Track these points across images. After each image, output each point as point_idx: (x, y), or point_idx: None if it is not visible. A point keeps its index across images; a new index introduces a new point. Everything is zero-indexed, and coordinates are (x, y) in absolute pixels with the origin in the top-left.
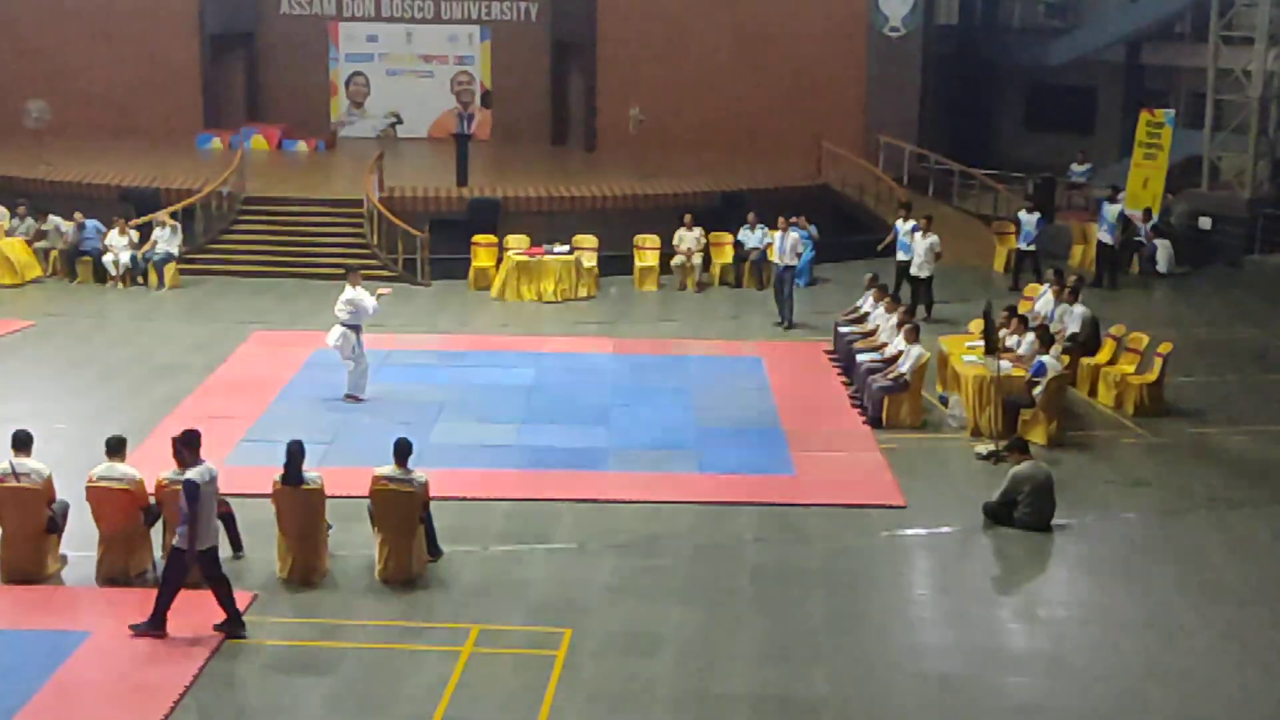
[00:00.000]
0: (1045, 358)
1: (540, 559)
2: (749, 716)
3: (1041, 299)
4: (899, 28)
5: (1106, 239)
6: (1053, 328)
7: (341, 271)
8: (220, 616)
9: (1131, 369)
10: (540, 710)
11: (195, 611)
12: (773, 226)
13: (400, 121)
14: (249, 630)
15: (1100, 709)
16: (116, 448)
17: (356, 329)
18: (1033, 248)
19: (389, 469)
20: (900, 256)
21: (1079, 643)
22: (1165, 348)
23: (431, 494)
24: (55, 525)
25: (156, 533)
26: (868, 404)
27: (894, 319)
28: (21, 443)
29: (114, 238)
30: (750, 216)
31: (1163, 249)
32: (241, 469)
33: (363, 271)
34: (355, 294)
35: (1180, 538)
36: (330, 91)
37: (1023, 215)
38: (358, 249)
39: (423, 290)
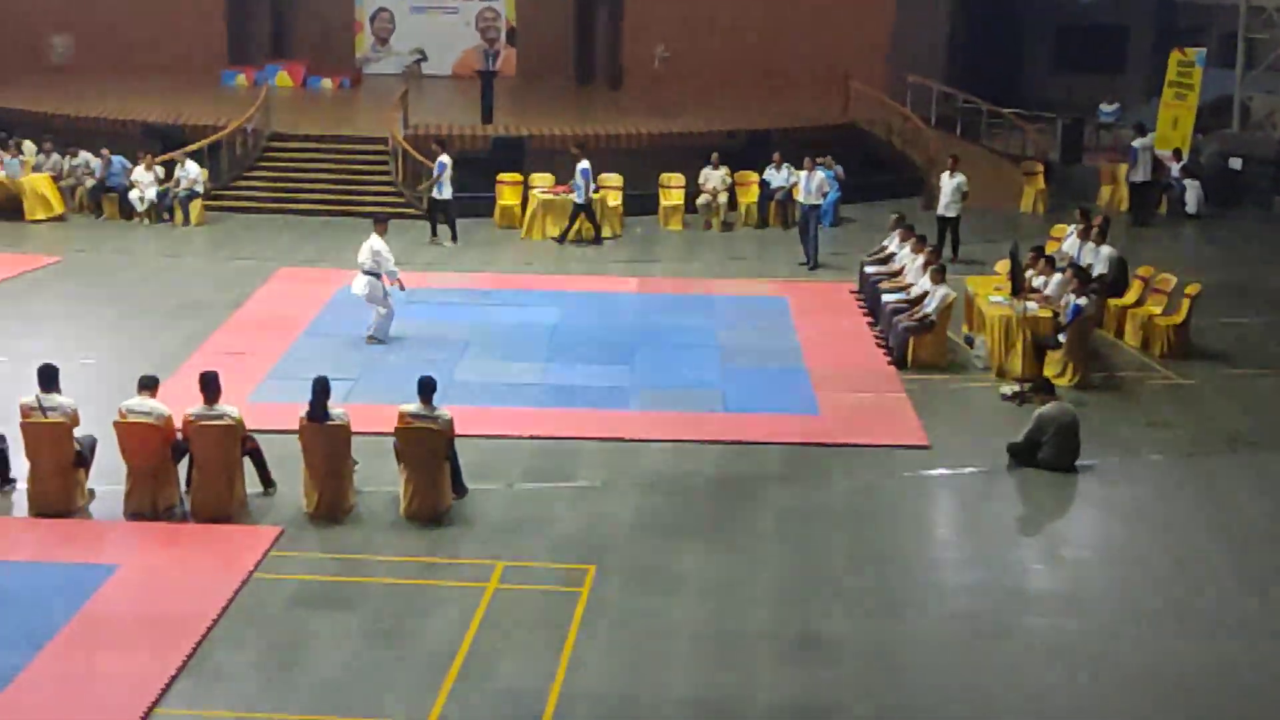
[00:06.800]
0: (1081, 300)
1: (565, 497)
2: (770, 654)
3: (1069, 239)
4: None
5: (1137, 178)
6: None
7: (367, 212)
8: None
9: (1159, 310)
10: (564, 645)
11: (222, 545)
12: (799, 166)
13: (425, 58)
14: (276, 564)
15: (1123, 651)
16: (149, 384)
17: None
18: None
19: (414, 406)
20: None
21: (1103, 584)
22: (1193, 289)
23: (456, 431)
24: (83, 459)
25: (182, 468)
26: (893, 344)
27: (920, 259)
28: (48, 378)
29: (140, 174)
30: (776, 156)
31: (1192, 189)
32: (267, 405)
33: (388, 210)
34: (380, 244)
35: (1206, 479)
36: (355, 28)
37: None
38: (383, 186)
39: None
